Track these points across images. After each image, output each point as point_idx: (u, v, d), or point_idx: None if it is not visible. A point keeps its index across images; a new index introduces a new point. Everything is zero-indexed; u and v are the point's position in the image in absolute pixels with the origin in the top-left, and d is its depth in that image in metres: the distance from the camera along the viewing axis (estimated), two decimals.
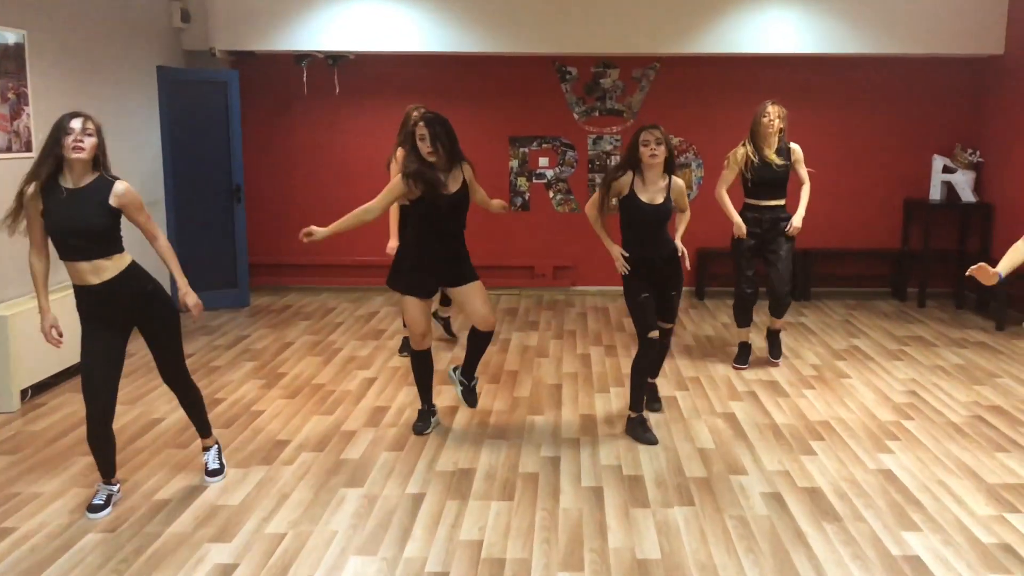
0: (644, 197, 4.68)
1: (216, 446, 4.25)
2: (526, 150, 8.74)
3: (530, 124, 8.72)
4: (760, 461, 4.49)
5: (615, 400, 5.46)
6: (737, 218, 5.99)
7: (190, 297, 3.89)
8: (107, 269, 3.67)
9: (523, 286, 8.83)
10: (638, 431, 4.78)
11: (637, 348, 4.78)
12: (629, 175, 4.71)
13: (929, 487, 4.17)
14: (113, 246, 3.70)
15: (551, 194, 8.81)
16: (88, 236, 3.59)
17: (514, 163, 8.75)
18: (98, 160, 3.68)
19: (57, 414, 5.11)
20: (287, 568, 3.36)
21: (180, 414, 5.09)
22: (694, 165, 8.75)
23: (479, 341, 4.81)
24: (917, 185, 8.63)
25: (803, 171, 6.06)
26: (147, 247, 3.89)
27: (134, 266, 3.77)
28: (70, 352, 5.42)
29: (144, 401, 5.35)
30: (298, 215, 8.76)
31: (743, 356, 6.28)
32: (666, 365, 6.18)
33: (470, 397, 4.95)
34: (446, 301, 6.61)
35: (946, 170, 8.38)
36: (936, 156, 8.44)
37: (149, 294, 3.78)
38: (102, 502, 3.82)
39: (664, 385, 5.70)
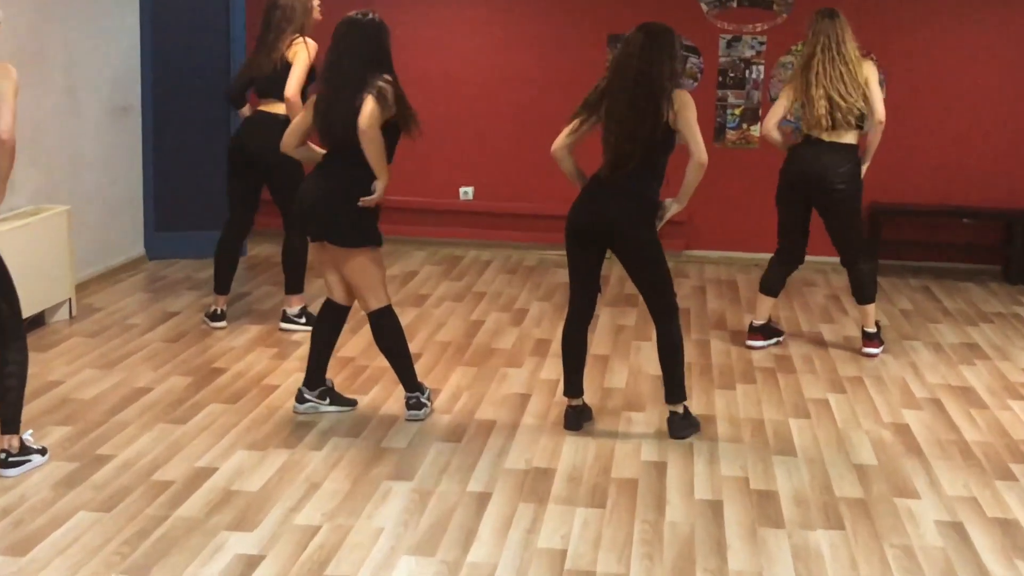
0: None
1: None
2: None
3: (639, 18, 9.11)
4: (938, 484, 4.99)
5: (742, 398, 6.03)
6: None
7: None
8: None
9: None
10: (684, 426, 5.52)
11: (674, 322, 5.52)
12: None
13: None
14: None
15: None
16: None
17: None
18: None
19: None
20: (325, 563, 4.02)
21: (171, 383, 5.86)
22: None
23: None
24: None
25: None
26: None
27: None
28: (28, 303, 6.14)
29: (124, 367, 6.12)
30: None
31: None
32: (816, 360, 6.73)
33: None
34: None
35: None
36: None
37: None
38: None
39: (812, 386, 6.26)
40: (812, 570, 4.15)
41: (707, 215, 9.34)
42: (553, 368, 6.34)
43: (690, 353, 6.79)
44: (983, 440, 5.55)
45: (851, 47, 6.54)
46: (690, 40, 9.21)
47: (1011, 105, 9.10)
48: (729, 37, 9.25)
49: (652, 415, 5.72)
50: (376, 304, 5.41)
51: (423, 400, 5.56)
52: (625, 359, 6.66)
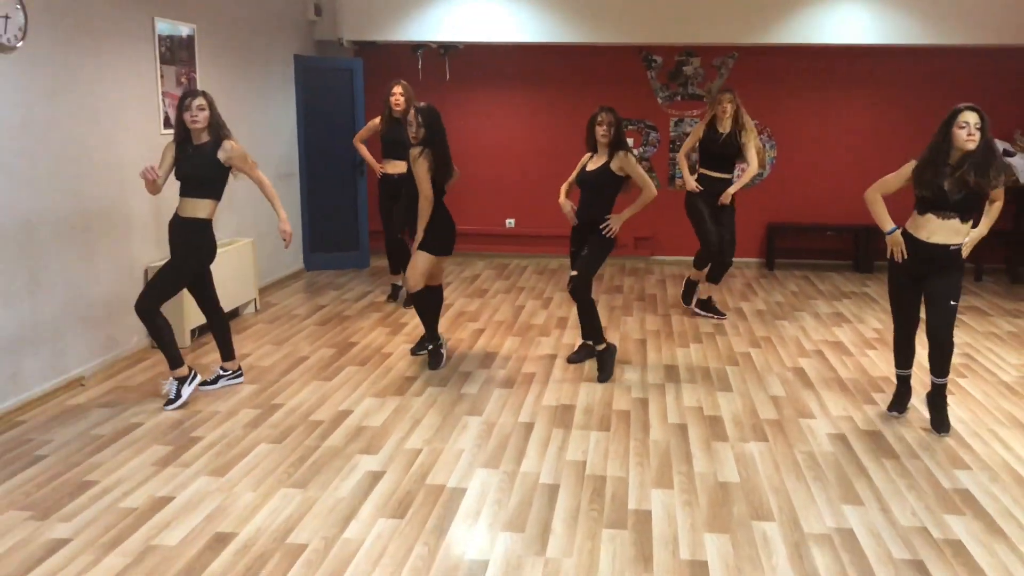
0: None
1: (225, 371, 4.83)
2: None
3: (617, 107, 8.60)
4: (826, 408, 4.68)
5: (695, 354, 5.69)
6: (689, 176, 6.36)
7: (287, 225, 4.63)
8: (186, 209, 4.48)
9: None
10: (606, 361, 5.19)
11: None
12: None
13: (980, 434, 4.31)
14: (207, 192, 4.46)
15: None
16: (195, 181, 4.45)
17: None
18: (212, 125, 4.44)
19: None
20: (425, 476, 3.74)
21: (321, 353, 5.56)
22: (768, 147, 8.84)
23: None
24: None
25: (750, 155, 6.24)
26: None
27: (204, 223, 4.48)
28: (228, 301, 5.92)
29: (290, 343, 5.83)
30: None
31: (690, 295, 6.76)
32: (740, 326, 6.39)
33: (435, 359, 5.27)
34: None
35: (1005, 154, 8.28)
36: (996, 140, 8.32)
37: (194, 245, 4.49)
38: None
39: (738, 343, 5.92)
40: (748, 470, 3.85)
41: (666, 232, 9.06)
42: (571, 336, 6.03)
43: (657, 323, 6.49)
44: (853, 377, 5.23)
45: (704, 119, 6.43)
46: (651, 121, 8.90)
47: (860, 154, 8.73)
48: (676, 119, 8.90)
49: (637, 367, 5.39)
50: None
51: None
52: (617, 329, 6.33)
